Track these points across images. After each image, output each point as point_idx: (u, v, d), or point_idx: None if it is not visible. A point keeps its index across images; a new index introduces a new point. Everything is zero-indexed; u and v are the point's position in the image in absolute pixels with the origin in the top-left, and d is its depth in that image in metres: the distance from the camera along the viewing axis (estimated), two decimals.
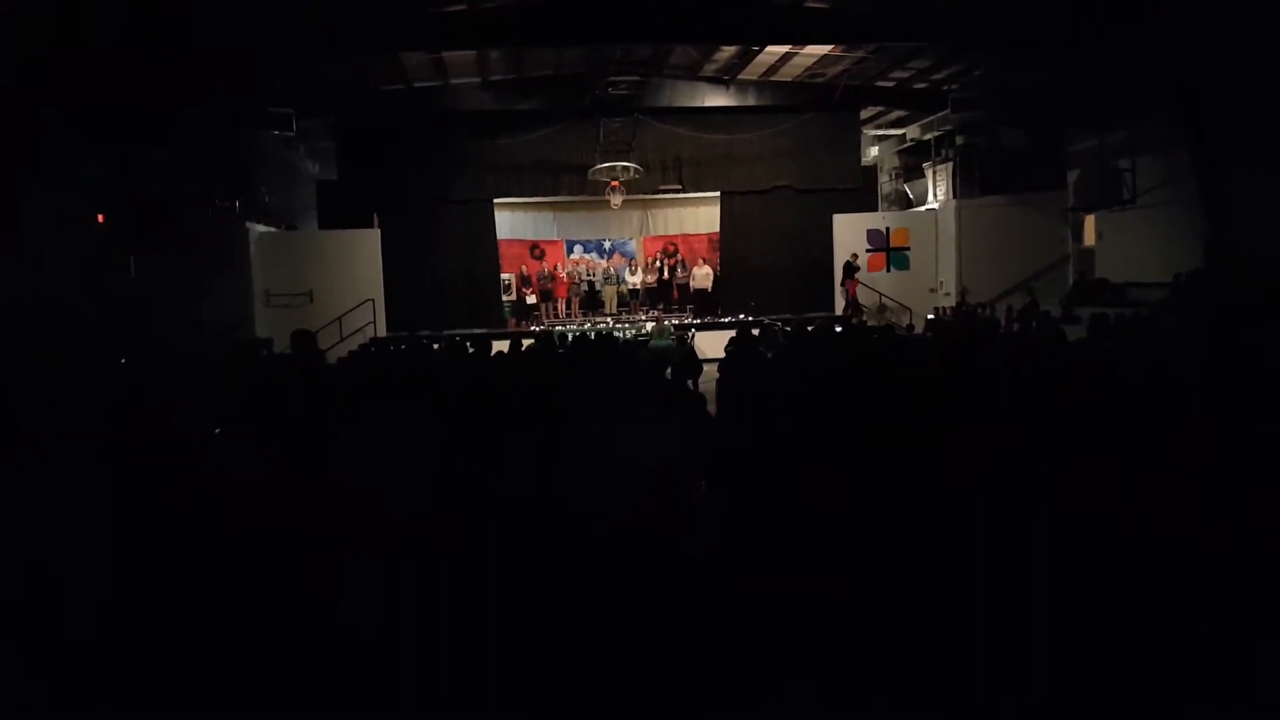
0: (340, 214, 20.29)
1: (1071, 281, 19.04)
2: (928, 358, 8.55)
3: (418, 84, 19.07)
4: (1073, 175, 18.59)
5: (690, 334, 17.91)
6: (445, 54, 17.59)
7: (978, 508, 3.66)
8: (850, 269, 20.14)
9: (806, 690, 3.15)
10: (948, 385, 5.92)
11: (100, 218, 13.14)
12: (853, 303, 20.04)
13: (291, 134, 18.44)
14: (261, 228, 18.81)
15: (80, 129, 12.40)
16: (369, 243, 19.55)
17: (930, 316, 18.85)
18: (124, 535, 3.60)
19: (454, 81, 19.50)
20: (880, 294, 20.55)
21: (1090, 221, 19.09)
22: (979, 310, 18.02)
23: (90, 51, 11.78)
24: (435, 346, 13.06)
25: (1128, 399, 5.06)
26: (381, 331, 18.87)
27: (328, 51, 15.41)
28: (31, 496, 3.65)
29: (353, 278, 19.17)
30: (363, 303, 18.96)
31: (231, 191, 17.24)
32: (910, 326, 18.71)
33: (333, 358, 12.58)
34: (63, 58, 11.47)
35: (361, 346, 14.68)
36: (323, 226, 20.79)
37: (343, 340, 17.50)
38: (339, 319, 18.52)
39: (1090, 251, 19.15)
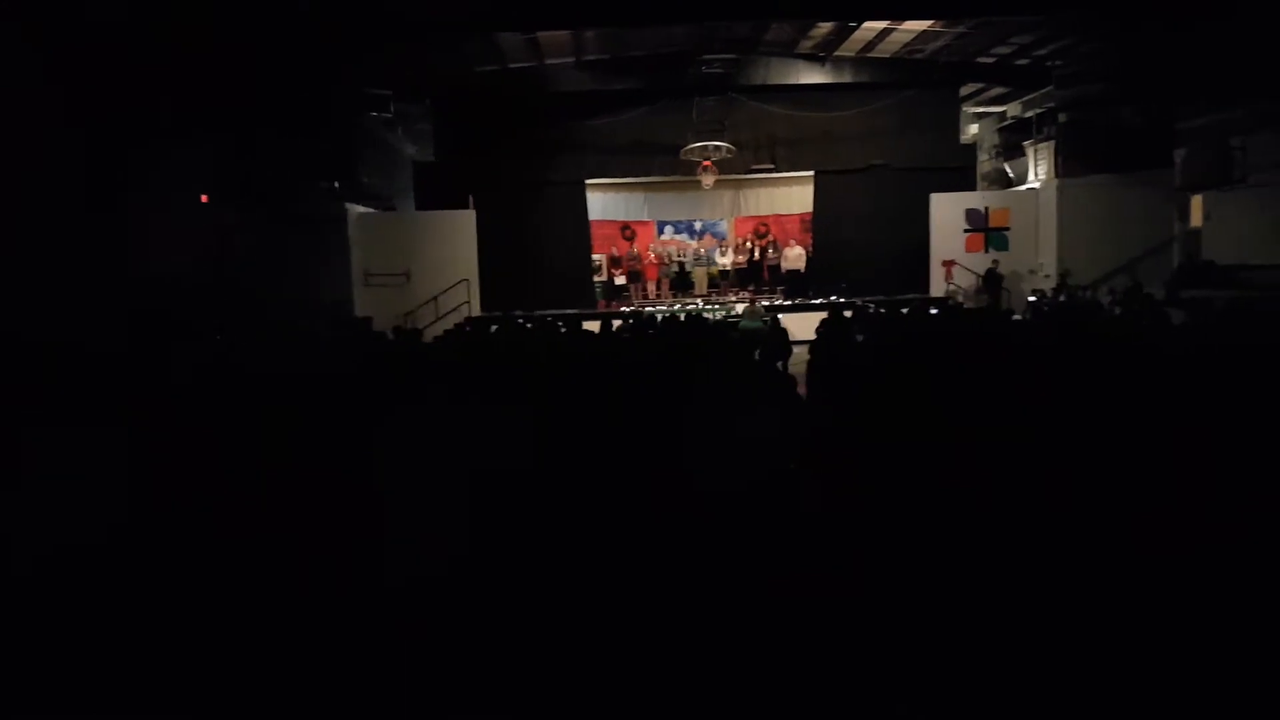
0: (437, 195, 20.68)
1: (1177, 264, 18.43)
2: (1026, 342, 8.39)
3: (513, 65, 19.26)
4: (1180, 154, 17.94)
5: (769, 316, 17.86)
6: (540, 34, 17.72)
7: (1069, 498, 3.62)
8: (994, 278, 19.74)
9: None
10: (1047, 371, 5.82)
11: (204, 198, 13.63)
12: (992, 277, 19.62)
13: (390, 116, 18.81)
14: (360, 208, 19.25)
15: (191, 113, 12.87)
16: (464, 223, 19.85)
17: (1031, 299, 18.44)
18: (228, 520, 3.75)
19: (549, 62, 19.64)
20: (978, 276, 20.14)
21: (1197, 202, 18.40)
22: (1080, 293, 17.56)
23: (199, 36, 12.20)
24: (528, 326, 13.26)
25: (1232, 386, 4.92)
26: (476, 311, 19.21)
27: (424, 31, 15.64)
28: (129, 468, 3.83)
29: (448, 258, 19.50)
30: (458, 283, 19.30)
31: (333, 173, 17.68)
32: (1009, 309, 18.32)
33: (429, 336, 12.89)
34: (173, 43, 11.91)
35: (457, 325, 14.97)
36: (420, 207, 21.17)
37: (439, 319, 17.87)
38: (435, 298, 18.91)
39: (1196, 233, 18.49)
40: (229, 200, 14.03)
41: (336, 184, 17.87)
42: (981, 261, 20.26)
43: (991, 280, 19.40)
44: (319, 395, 5.34)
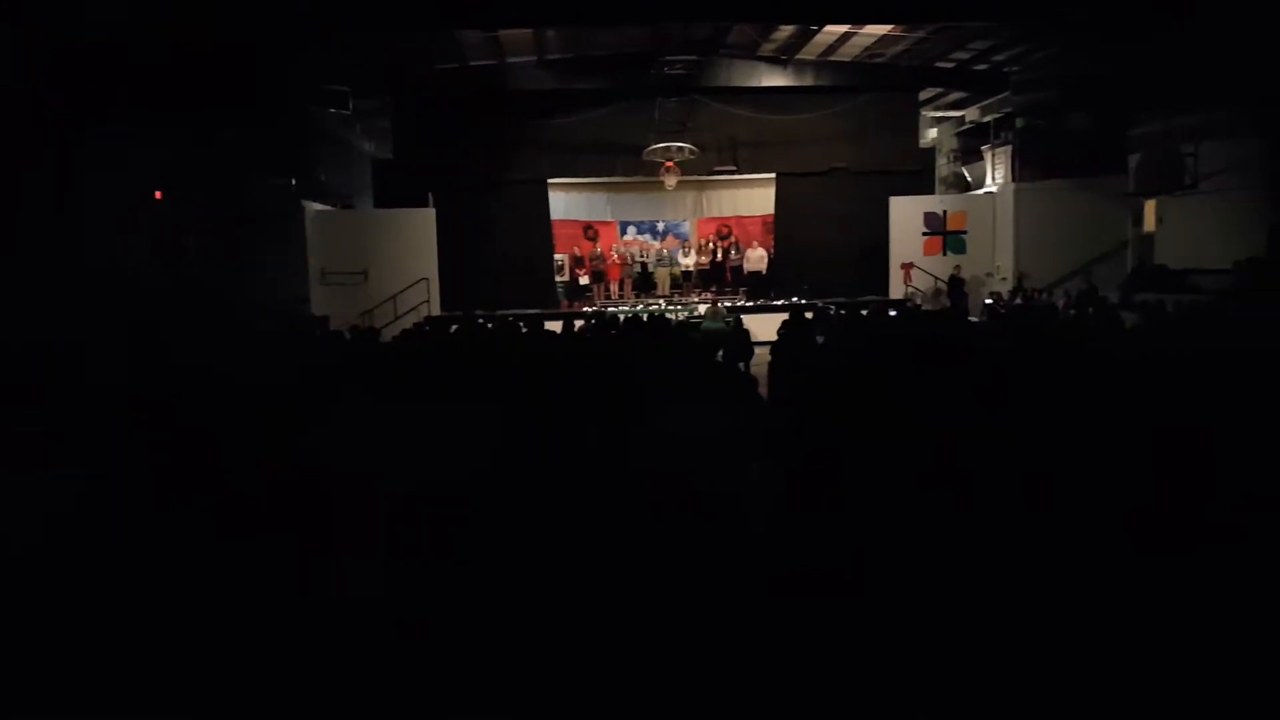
0: (396, 193, 20.53)
1: (1130, 267, 18.72)
2: (984, 343, 8.47)
3: (474, 63, 19.15)
4: (1134, 159, 18.24)
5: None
6: (502, 32, 17.63)
7: (1030, 500, 3.64)
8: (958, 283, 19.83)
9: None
10: (1004, 372, 5.87)
11: (158, 195, 13.42)
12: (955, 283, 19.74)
13: (348, 112, 18.60)
14: (317, 206, 19.05)
15: (141, 110, 12.66)
16: (424, 222, 19.71)
17: (987, 301, 18.64)
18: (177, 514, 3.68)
19: (510, 60, 19.54)
20: (936, 278, 20.33)
21: (1150, 206, 18.72)
22: (1036, 296, 17.78)
23: (150, 33, 12.02)
24: (489, 326, 13.17)
25: (1180, 388, 4.98)
26: (435, 310, 19.07)
27: (384, 28, 15.50)
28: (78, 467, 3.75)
29: (407, 257, 19.36)
30: (417, 282, 19.17)
31: (288, 170, 17.47)
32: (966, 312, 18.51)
33: (387, 336, 12.76)
34: (123, 41, 11.73)
35: (416, 325, 14.84)
36: (378, 205, 21.00)
37: (397, 319, 17.73)
38: (393, 298, 18.77)
39: (1150, 237, 18.79)
40: (183, 197, 13.83)
41: (293, 181, 17.66)
42: (939, 264, 20.47)
43: (955, 286, 19.57)
44: (265, 395, 5.26)
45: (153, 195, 13.44)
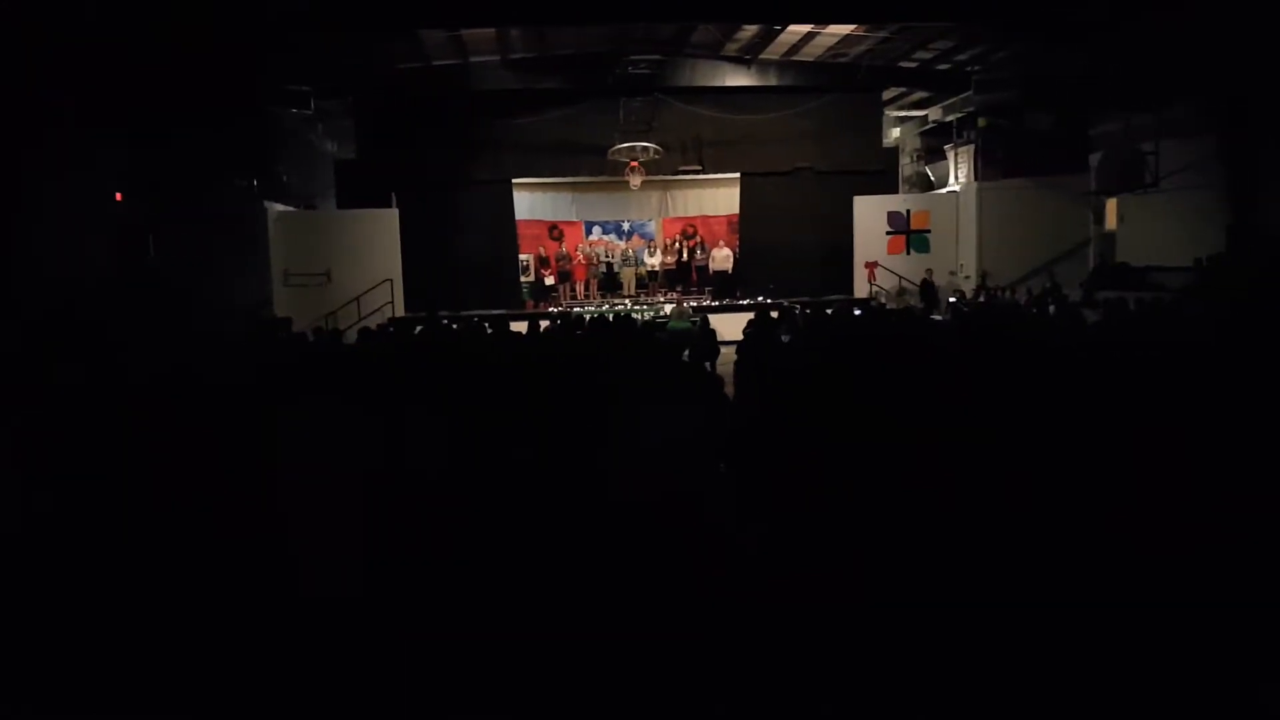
0: (359, 194, 20.33)
1: (1093, 265, 18.92)
2: (947, 341, 8.51)
3: (437, 62, 19.03)
4: (1095, 158, 18.44)
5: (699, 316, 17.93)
6: (465, 31, 17.52)
7: (993, 495, 3.65)
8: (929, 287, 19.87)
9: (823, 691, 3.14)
10: (966, 370, 5.89)
11: (119, 196, 13.22)
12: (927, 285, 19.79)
13: (310, 113, 18.41)
14: (280, 207, 18.83)
15: (99, 111, 12.47)
16: (387, 223, 19.56)
17: (951, 300, 18.77)
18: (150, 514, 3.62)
19: (474, 60, 19.44)
20: (900, 277, 20.45)
21: (1112, 205, 18.93)
22: (999, 294, 17.92)
23: (108, 32, 11.84)
24: (454, 327, 13.09)
25: (1142, 384, 5.02)
26: (400, 311, 18.92)
27: (346, 27, 15.34)
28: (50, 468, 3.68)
29: (371, 258, 19.21)
30: (381, 283, 19.01)
31: (249, 171, 17.27)
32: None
33: (351, 338, 12.65)
34: (80, 39, 11.54)
35: (379, 326, 14.72)
36: (341, 206, 20.81)
37: (361, 320, 17.56)
38: (357, 299, 18.60)
39: (1112, 235, 19.01)
40: (144, 199, 13.62)
41: (255, 182, 17.45)
42: (904, 263, 20.60)
43: (927, 290, 19.64)
44: (227, 398, 5.18)
45: (113, 197, 13.23)
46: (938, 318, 15.90)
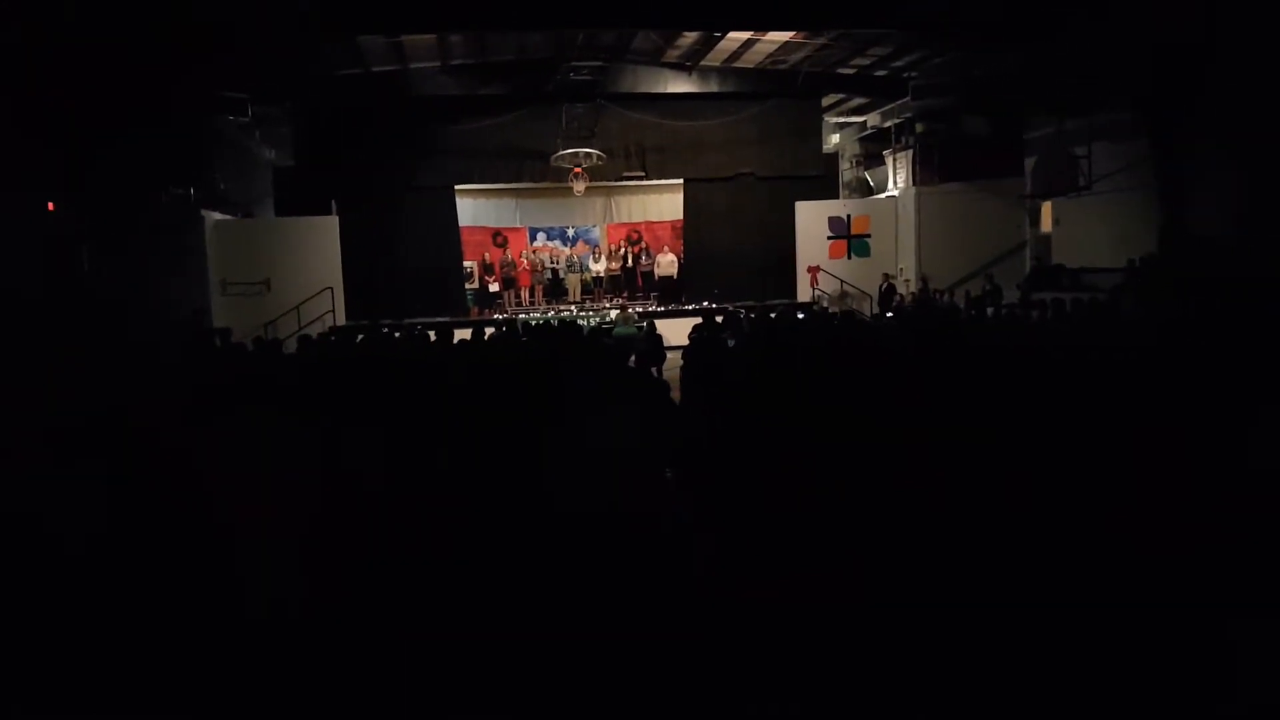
0: (297, 201, 20.04)
1: (1029, 267, 19.26)
2: (892, 343, 8.59)
3: (376, 68, 18.83)
4: (1030, 162, 18.78)
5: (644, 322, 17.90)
6: (404, 37, 17.37)
7: (941, 496, 3.67)
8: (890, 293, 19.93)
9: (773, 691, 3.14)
10: (910, 372, 5.95)
11: (50, 206, 12.89)
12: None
13: (247, 119, 18.10)
14: (217, 215, 18.50)
15: (30, 117, 12.15)
16: (327, 230, 19.30)
17: (894, 302, 18.96)
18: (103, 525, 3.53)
19: (414, 66, 19.26)
20: (842, 281, 20.65)
21: (1047, 208, 19.30)
22: (939, 296, 18.15)
23: (37, 38, 11.56)
24: (396, 335, 12.95)
25: (1087, 382, 5.11)
26: (341, 320, 18.66)
27: (283, 33, 15.12)
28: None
29: (311, 266, 18.92)
30: (321, 291, 18.74)
31: (185, 179, 16.93)
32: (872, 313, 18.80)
33: (291, 347, 12.44)
34: (8, 43, 11.25)
35: (320, 335, 14.51)
36: (280, 214, 20.51)
37: (301, 329, 17.29)
38: (297, 308, 18.32)
39: (1047, 237, 19.37)
40: (77, 208, 13.28)
41: (191, 190, 17.11)
42: (845, 267, 20.81)
43: (886, 297, 19.75)
44: (162, 410, 5.07)
45: (45, 206, 12.89)
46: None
